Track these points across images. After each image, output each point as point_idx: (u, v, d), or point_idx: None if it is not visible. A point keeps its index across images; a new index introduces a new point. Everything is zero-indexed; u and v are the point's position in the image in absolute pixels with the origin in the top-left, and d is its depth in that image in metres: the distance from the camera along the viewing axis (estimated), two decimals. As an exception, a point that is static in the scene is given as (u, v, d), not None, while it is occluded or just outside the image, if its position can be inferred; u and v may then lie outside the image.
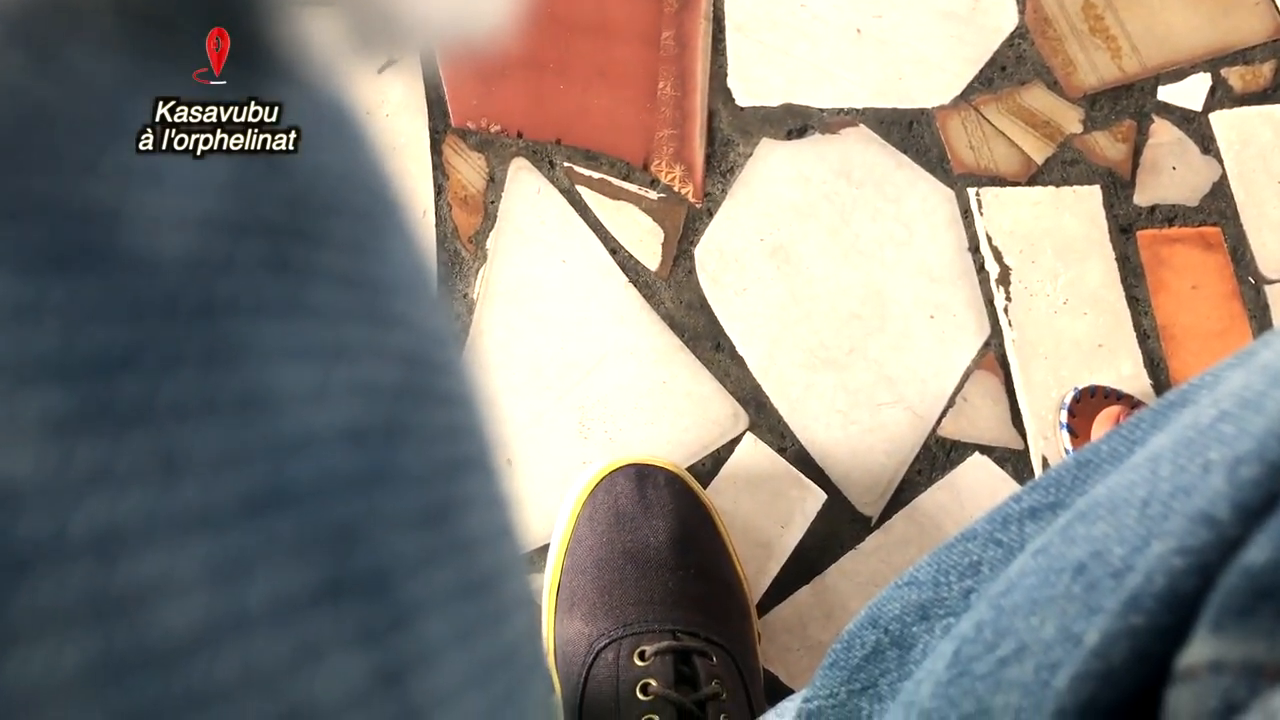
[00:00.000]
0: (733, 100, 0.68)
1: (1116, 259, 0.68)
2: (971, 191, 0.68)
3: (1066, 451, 0.63)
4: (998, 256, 0.68)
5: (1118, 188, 0.70)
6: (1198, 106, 0.72)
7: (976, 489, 0.64)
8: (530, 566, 0.59)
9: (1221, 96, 0.72)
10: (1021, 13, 0.72)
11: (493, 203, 0.65)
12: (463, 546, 0.14)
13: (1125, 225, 0.69)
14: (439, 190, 0.65)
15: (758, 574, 0.61)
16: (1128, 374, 0.67)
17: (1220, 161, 0.71)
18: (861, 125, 0.69)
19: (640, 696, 0.49)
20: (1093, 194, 0.69)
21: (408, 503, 0.13)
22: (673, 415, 0.63)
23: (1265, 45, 0.73)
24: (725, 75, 0.69)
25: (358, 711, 0.12)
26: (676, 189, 0.66)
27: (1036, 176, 0.69)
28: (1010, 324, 0.66)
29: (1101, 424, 0.63)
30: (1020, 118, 0.70)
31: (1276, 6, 0.74)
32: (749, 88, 0.69)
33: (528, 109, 0.67)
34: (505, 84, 0.67)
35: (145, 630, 0.10)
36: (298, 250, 0.13)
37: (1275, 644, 0.18)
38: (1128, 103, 0.71)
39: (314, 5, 0.15)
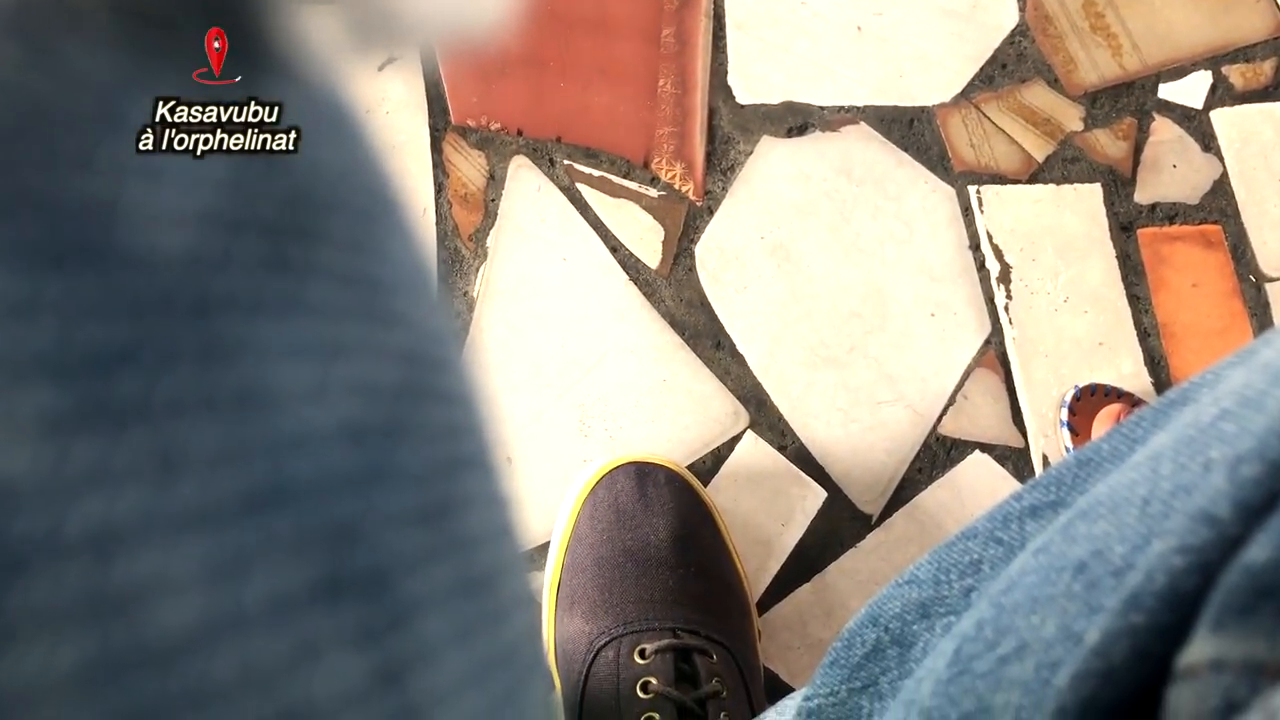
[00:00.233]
0: (733, 98, 0.68)
1: (1117, 257, 0.68)
2: (972, 189, 0.68)
3: (1067, 450, 0.63)
4: (998, 254, 0.67)
5: (1118, 185, 0.70)
6: (1198, 104, 0.72)
7: (977, 487, 0.64)
8: (530, 565, 0.59)
9: (1222, 94, 0.72)
10: (1022, 10, 0.72)
11: (493, 200, 0.65)
12: (462, 545, 0.14)
13: (1126, 223, 0.69)
14: (439, 188, 0.65)
15: (758, 572, 0.61)
16: (1128, 372, 0.67)
17: (1221, 159, 0.71)
18: (862, 123, 0.69)
19: (641, 694, 0.49)
20: (1093, 192, 0.69)
21: (407, 501, 0.13)
22: (673, 413, 0.63)
23: (1266, 43, 0.73)
24: (726, 73, 0.69)
25: (356, 711, 0.12)
26: (677, 187, 0.66)
27: (1037, 174, 0.69)
28: (1011, 322, 0.66)
29: (1102, 422, 0.63)
30: (1021, 115, 0.70)
31: (1277, 4, 0.74)
32: (749, 85, 0.69)
33: (528, 106, 0.67)
34: (505, 81, 0.67)
35: (142, 629, 0.10)
36: (296, 248, 0.13)
37: (1276, 643, 0.18)
38: (1128, 100, 0.71)
39: (314, 3, 0.15)
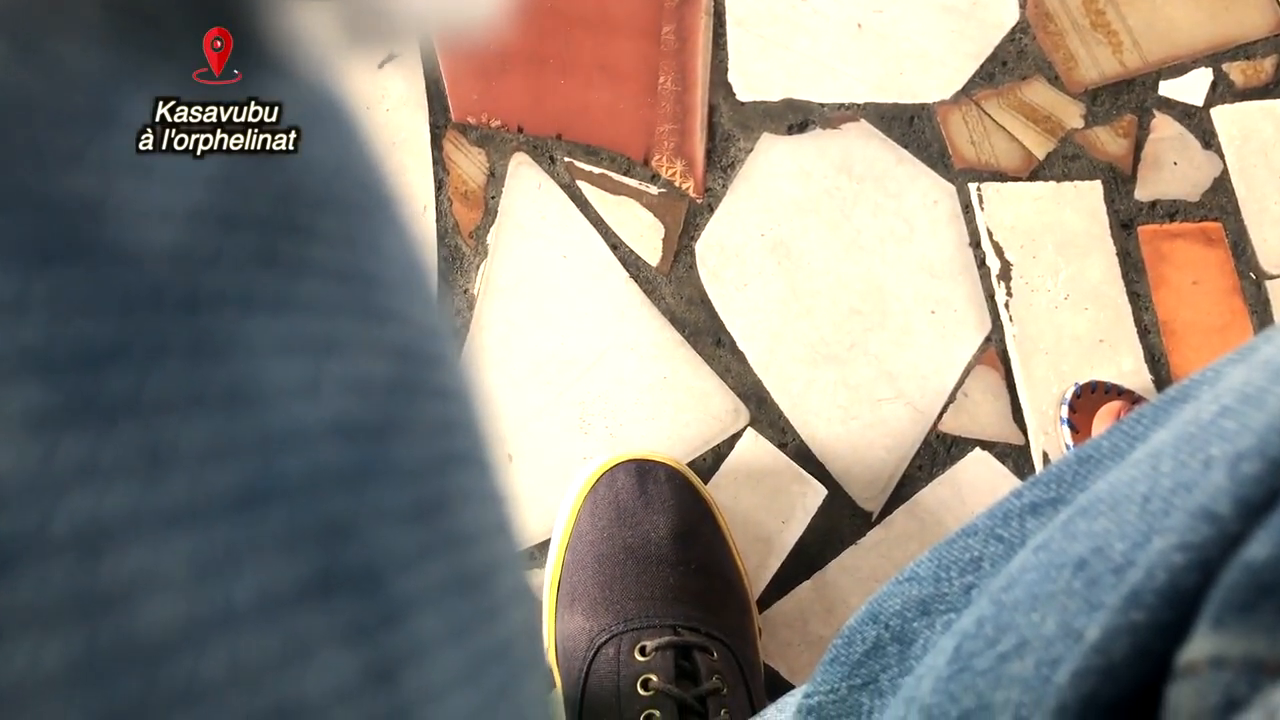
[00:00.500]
0: (733, 95, 0.68)
1: (1117, 254, 0.68)
2: (972, 187, 0.68)
3: (1067, 447, 0.63)
4: (999, 252, 0.67)
5: (1119, 183, 0.69)
6: (1199, 101, 0.72)
7: (977, 484, 0.64)
8: (530, 562, 0.59)
9: (1223, 91, 0.72)
10: (1023, 8, 0.72)
11: (493, 198, 0.65)
12: (456, 542, 0.14)
13: (1126, 220, 0.69)
14: (439, 185, 0.65)
15: (758, 569, 0.61)
16: (1128, 369, 0.66)
17: (1221, 156, 0.71)
18: (862, 120, 0.69)
19: (641, 691, 0.49)
20: (1094, 189, 0.69)
21: (400, 497, 0.13)
22: (673, 410, 0.63)
23: (1267, 40, 0.73)
24: (726, 70, 0.69)
25: (348, 709, 0.12)
26: (677, 184, 0.66)
27: (1037, 171, 0.69)
28: (1011, 319, 0.66)
29: (1102, 419, 0.63)
30: (1021, 113, 0.70)
31: (1278, 1, 0.74)
32: (750, 82, 0.68)
33: (528, 104, 0.67)
34: (506, 79, 0.67)
35: (130, 626, 0.10)
36: (288, 244, 0.13)
37: (1276, 640, 0.18)
38: (1129, 98, 0.71)
39: (313, 1, 0.15)
